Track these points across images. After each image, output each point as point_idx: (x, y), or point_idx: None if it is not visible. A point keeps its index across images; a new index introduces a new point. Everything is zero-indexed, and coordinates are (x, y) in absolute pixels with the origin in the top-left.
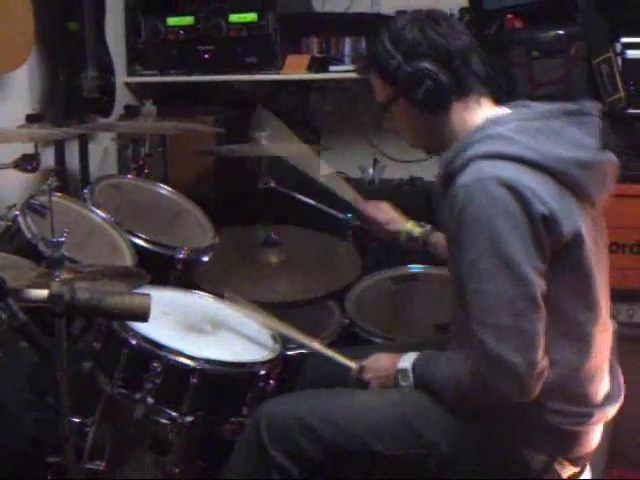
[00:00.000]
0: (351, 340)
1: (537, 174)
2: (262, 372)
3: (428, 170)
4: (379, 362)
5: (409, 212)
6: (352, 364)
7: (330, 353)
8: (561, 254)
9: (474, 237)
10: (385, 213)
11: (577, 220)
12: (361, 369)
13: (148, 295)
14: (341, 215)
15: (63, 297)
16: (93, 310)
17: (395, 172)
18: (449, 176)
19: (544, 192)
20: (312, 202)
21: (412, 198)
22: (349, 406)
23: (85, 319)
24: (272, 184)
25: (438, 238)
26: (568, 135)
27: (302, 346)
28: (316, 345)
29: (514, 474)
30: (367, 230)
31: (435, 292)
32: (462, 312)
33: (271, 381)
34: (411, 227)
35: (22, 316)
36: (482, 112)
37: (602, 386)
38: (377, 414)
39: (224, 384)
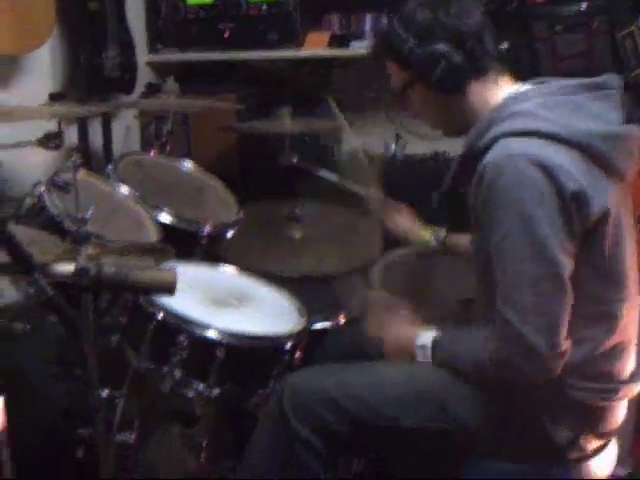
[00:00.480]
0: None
1: (565, 150)
2: (288, 345)
3: (452, 145)
4: (398, 331)
5: (433, 188)
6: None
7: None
8: (589, 232)
9: (503, 215)
10: (402, 221)
11: (606, 197)
12: (381, 340)
13: (174, 269)
14: (364, 191)
15: (89, 271)
16: (119, 284)
17: (418, 147)
18: (474, 155)
19: (573, 169)
20: (335, 178)
21: (436, 173)
22: (373, 379)
23: (111, 293)
24: (295, 160)
25: (455, 240)
26: (592, 109)
27: None
28: None
29: (539, 449)
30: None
31: (459, 268)
32: (486, 290)
33: (297, 354)
34: (427, 238)
35: (49, 290)
36: (502, 90)
37: (628, 363)
38: (402, 388)
39: (250, 357)
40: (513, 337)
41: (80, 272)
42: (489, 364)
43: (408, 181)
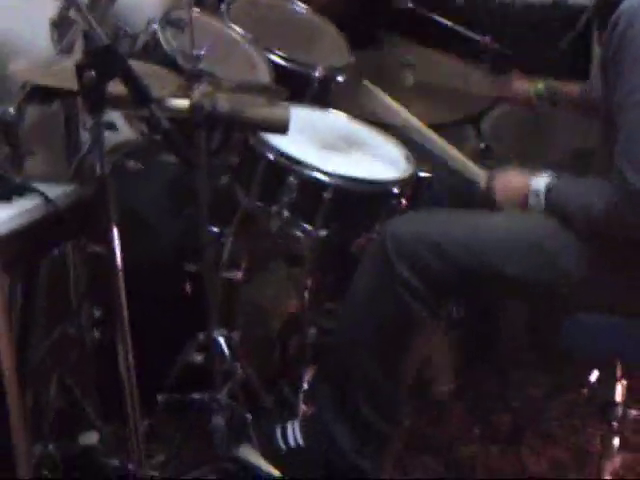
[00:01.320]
0: (487, 166)
1: None
2: (395, 190)
3: None
4: (510, 177)
5: (552, 37)
6: (482, 173)
7: (460, 158)
8: None
9: (633, 65)
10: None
11: None
12: (490, 180)
13: (287, 107)
14: (479, 37)
15: (204, 107)
16: (233, 121)
17: None
18: (609, 4)
19: None
20: (450, 23)
21: (555, 23)
22: (479, 225)
23: (223, 132)
24: (409, 4)
25: (567, 89)
26: None
27: (432, 146)
28: (447, 148)
29: None
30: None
31: (576, 117)
32: (609, 144)
33: (403, 200)
34: (539, 89)
35: (166, 123)
36: None
37: None
38: (509, 235)
39: (357, 201)
40: (629, 190)
41: (195, 108)
42: (602, 214)
43: (527, 30)
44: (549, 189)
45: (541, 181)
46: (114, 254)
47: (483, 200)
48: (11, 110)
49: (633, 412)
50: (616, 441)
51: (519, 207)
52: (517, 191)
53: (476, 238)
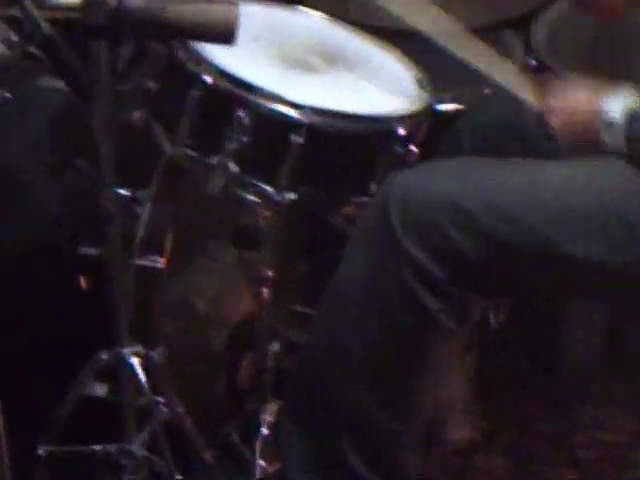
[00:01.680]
0: None
1: None
2: (400, 131)
3: None
4: (574, 99)
5: None
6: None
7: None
8: None
9: None
10: None
11: None
12: (547, 108)
13: (235, 3)
14: None
15: (105, 2)
16: (150, 23)
17: None
18: None
19: None
20: None
21: None
22: (527, 185)
23: (136, 42)
24: None
25: None
26: None
27: (466, 65)
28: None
29: None
30: None
31: None
32: None
33: (413, 147)
34: None
35: (47, 28)
36: None
37: None
38: (573, 199)
39: (343, 147)
40: None
41: (91, 3)
42: None
43: None
44: (631, 117)
45: (617, 101)
46: None
47: (536, 140)
48: None
49: None
50: None
51: (587, 143)
52: (584, 118)
53: (525, 202)
